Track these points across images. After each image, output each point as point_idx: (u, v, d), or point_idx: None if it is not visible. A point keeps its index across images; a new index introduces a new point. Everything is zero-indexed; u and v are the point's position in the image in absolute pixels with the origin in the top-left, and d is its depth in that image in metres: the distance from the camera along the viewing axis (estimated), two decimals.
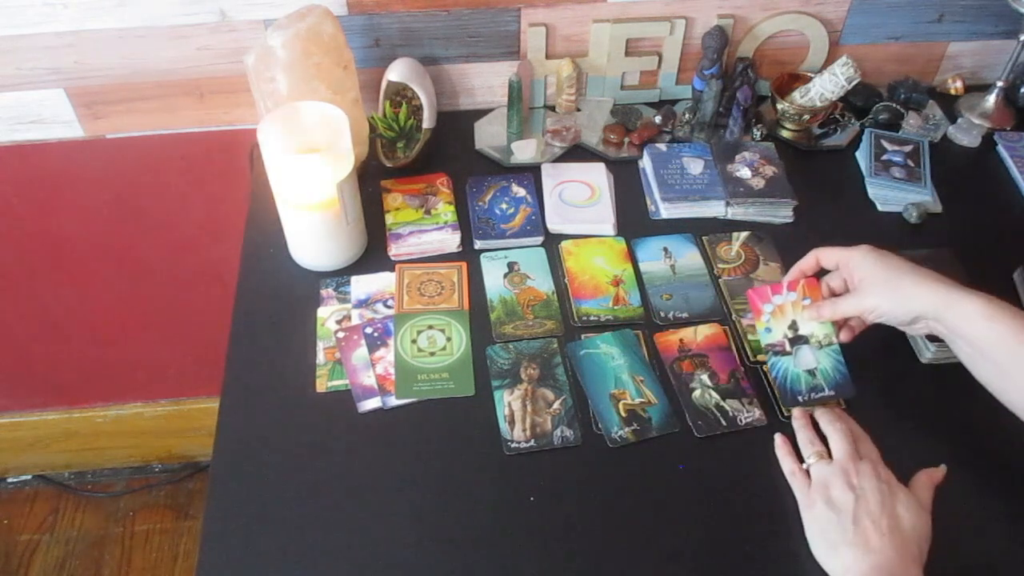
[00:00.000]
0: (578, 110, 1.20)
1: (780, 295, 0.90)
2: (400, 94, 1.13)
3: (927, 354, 0.92)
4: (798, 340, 0.88)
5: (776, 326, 0.89)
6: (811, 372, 0.87)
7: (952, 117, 1.21)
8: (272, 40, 0.97)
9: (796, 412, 0.86)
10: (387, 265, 1.02)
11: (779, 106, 1.16)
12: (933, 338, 0.89)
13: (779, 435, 0.85)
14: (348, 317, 0.96)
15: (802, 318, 0.88)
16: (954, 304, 0.77)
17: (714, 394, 0.89)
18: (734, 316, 0.97)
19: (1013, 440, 0.82)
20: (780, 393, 0.87)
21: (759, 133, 1.16)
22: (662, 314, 0.97)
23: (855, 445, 0.81)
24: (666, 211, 1.08)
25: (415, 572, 0.77)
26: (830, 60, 1.17)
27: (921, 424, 0.88)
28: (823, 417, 0.84)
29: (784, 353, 0.88)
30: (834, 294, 0.88)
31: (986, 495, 0.83)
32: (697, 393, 0.89)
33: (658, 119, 1.17)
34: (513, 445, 0.85)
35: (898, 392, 0.91)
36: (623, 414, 0.87)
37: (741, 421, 0.87)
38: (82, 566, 1.64)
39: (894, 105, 1.19)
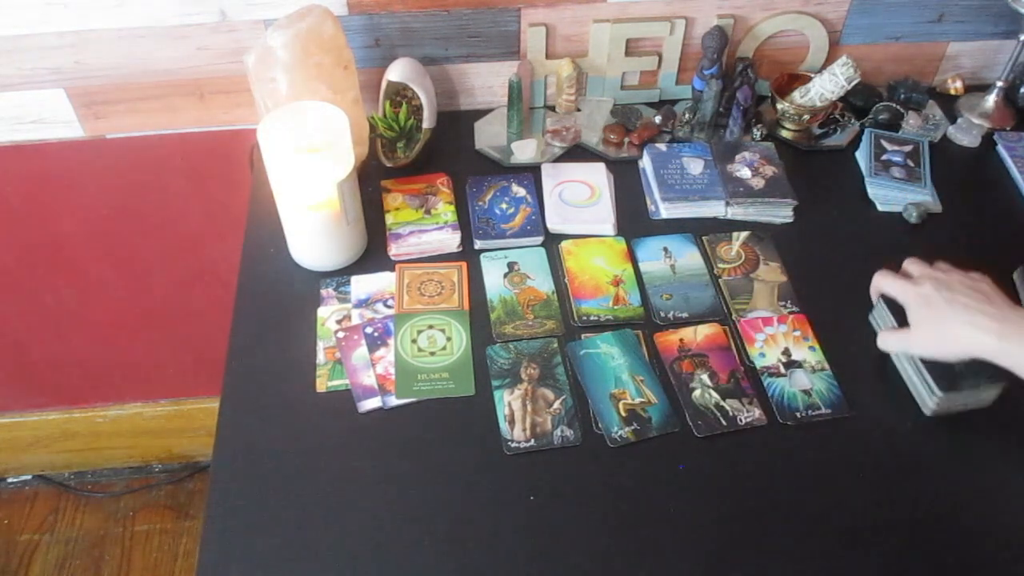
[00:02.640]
0: (578, 110, 1.20)
1: (771, 326, 0.95)
2: (400, 94, 1.13)
3: (931, 405, 0.87)
4: (792, 364, 0.92)
5: (769, 352, 0.93)
6: (807, 392, 0.89)
7: (952, 117, 1.21)
8: (272, 40, 0.97)
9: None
10: (387, 265, 1.02)
11: (779, 106, 1.16)
12: (943, 385, 0.84)
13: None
14: (348, 317, 0.96)
15: (794, 346, 0.93)
16: (1010, 348, 0.76)
17: (714, 394, 0.89)
18: (734, 316, 0.97)
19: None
20: (777, 410, 0.88)
21: (759, 133, 1.16)
22: (662, 314, 0.97)
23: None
24: (666, 211, 1.08)
25: (415, 572, 0.77)
26: (830, 60, 1.17)
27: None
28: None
29: (779, 375, 0.91)
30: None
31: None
32: (697, 393, 0.90)
33: (658, 119, 1.17)
34: (513, 445, 0.85)
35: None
36: (623, 414, 0.87)
37: (741, 421, 0.87)
38: (82, 566, 1.64)
39: (894, 105, 1.19)
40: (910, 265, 0.89)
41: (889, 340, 0.89)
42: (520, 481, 0.83)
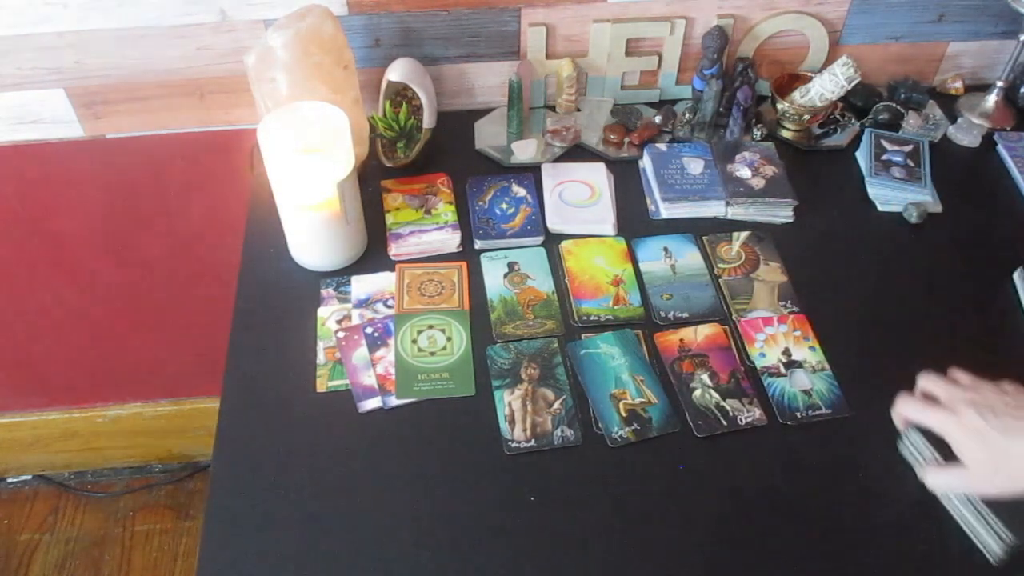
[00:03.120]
0: (578, 110, 1.20)
1: (772, 326, 0.95)
2: (400, 94, 1.13)
3: (997, 551, 0.76)
4: (792, 364, 0.92)
5: (769, 352, 0.93)
6: (807, 392, 0.89)
7: (952, 117, 1.21)
8: (272, 40, 0.97)
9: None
10: (387, 265, 1.02)
11: (779, 106, 1.16)
12: (1015, 527, 0.75)
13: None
14: (348, 317, 0.96)
15: (794, 346, 0.93)
16: None
17: (714, 394, 0.89)
18: (734, 316, 0.97)
19: None
20: (777, 410, 0.88)
21: (759, 133, 1.16)
22: (662, 314, 0.97)
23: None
24: (666, 211, 1.08)
25: (415, 572, 0.77)
26: (830, 60, 1.17)
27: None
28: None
29: (779, 375, 0.91)
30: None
31: None
32: (697, 393, 0.90)
33: (658, 119, 1.17)
34: (513, 445, 0.85)
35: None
36: (623, 414, 0.87)
37: (741, 421, 0.87)
38: (82, 566, 1.64)
39: (894, 105, 1.19)
40: (932, 386, 0.79)
41: (942, 481, 0.78)
42: (520, 481, 0.83)
